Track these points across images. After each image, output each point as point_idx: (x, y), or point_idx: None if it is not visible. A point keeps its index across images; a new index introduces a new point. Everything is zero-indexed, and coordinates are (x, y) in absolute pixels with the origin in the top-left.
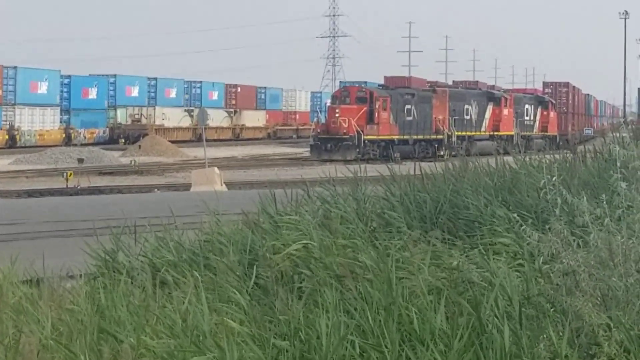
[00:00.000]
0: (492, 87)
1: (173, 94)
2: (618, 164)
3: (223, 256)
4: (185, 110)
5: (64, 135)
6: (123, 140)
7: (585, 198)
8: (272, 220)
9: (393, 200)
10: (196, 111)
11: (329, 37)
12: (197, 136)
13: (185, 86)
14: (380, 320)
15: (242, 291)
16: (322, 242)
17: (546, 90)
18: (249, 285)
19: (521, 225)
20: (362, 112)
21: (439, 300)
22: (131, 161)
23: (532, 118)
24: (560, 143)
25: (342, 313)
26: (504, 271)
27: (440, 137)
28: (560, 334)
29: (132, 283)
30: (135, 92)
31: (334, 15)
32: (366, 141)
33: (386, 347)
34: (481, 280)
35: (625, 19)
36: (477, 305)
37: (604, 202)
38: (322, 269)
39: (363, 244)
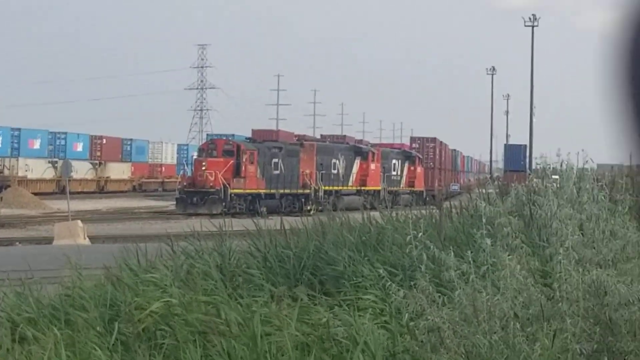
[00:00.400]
0: (360, 141)
1: (37, 144)
2: (483, 220)
3: (84, 311)
4: (49, 162)
5: None
6: None
7: (452, 254)
8: (134, 276)
9: (257, 256)
10: (60, 163)
11: (197, 89)
12: (61, 188)
13: (50, 137)
14: None
15: (103, 347)
16: (182, 299)
17: (413, 145)
18: (110, 341)
19: (387, 282)
20: (228, 165)
21: (306, 357)
22: None
23: (399, 173)
24: (427, 198)
25: None
26: (368, 328)
27: (307, 191)
28: None
29: None
30: None
31: (202, 67)
32: (233, 195)
33: None
34: (346, 337)
35: (492, 75)
36: None
37: (470, 258)
38: (184, 325)
39: (225, 300)
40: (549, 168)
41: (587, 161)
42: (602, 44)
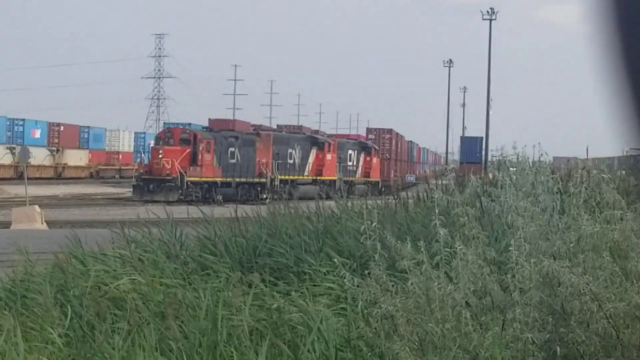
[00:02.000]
0: (316, 132)
1: None
2: (437, 211)
3: (41, 294)
4: (7, 148)
5: None
6: None
7: (409, 244)
8: (91, 259)
9: (212, 243)
10: (18, 149)
11: (154, 78)
12: (18, 174)
13: (8, 123)
14: None
15: (59, 329)
16: (143, 281)
17: (370, 136)
18: (66, 323)
19: (341, 270)
20: (185, 153)
21: (261, 341)
22: None
23: (355, 163)
24: (383, 189)
25: (158, 353)
26: (324, 314)
27: (264, 180)
28: None
29: None
30: None
31: (159, 57)
32: (189, 183)
33: None
34: (301, 323)
35: (449, 67)
36: (295, 347)
37: (422, 248)
38: (145, 308)
39: (183, 284)
40: (508, 160)
41: (541, 154)
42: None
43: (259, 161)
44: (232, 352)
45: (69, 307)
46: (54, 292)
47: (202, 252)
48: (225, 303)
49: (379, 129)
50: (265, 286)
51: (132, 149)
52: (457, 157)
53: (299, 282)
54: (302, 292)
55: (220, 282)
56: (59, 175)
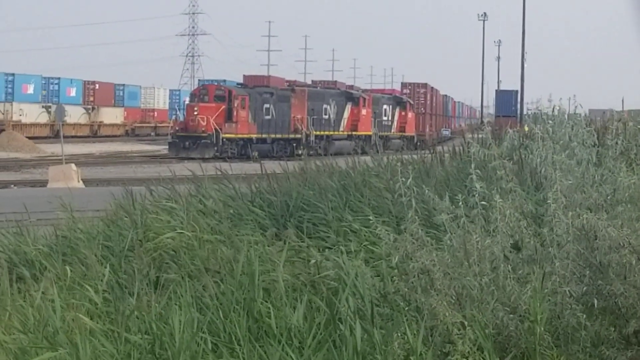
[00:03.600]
0: (351, 87)
1: (30, 89)
2: (472, 165)
3: (81, 252)
4: (42, 107)
5: None
6: None
7: (447, 198)
8: (135, 214)
9: (246, 200)
10: (54, 107)
11: (188, 35)
12: (54, 132)
13: (43, 82)
14: (235, 316)
15: (98, 287)
16: (190, 234)
17: (404, 90)
18: (104, 279)
19: (377, 227)
20: (220, 110)
21: (298, 297)
22: None
23: (390, 118)
24: (418, 143)
25: (195, 309)
26: (361, 270)
27: (299, 136)
28: (415, 332)
29: None
30: None
31: (193, 14)
32: (224, 139)
33: (239, 344)
34: (336, 279)
35: (484, 21)
36: (332, 303)
37: (460, 202)
38: (190, 262)
39: (228, 239)
40: (544, 114)
41: (577, 107)
42: None
43: (294, 117)
44: (269, 308)
45: (107, 264)
46: (97, 248)
47: (237, 208)
48: (262, 259)
49: (414, 83)
50: (301, 243)
51: (167, 106)
52: (492, 110)
53: (331, 240)
54: (338, 247)
55: (255, 237)
56: (94, 133)
